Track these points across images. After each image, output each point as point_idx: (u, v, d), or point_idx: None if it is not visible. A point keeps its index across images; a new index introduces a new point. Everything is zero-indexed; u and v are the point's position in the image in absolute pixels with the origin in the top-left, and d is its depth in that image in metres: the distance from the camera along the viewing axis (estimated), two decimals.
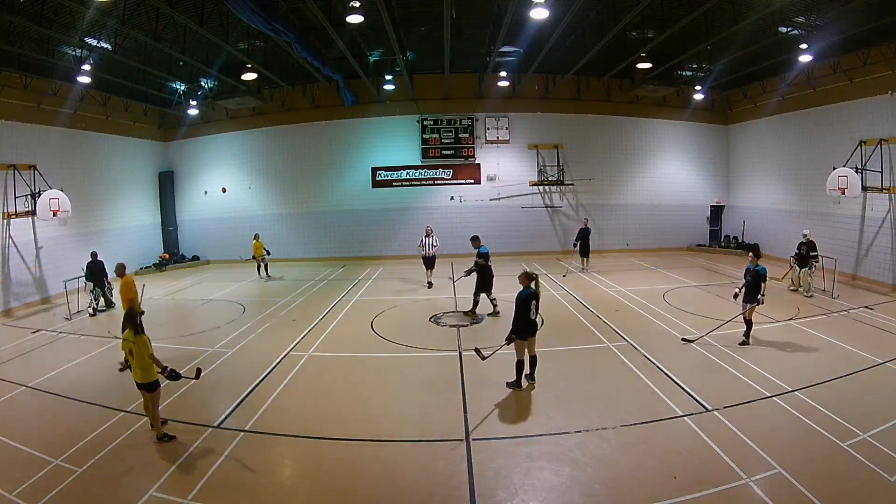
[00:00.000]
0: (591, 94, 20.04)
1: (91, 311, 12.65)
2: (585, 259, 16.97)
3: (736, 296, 9.28)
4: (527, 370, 7.43)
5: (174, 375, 6.14)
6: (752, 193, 19.73)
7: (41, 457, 5.75)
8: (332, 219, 20.51)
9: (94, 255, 13.33)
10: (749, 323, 8.99)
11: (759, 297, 8.73)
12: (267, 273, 17.21)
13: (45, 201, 13.52)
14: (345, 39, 13.23)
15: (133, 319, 6.21)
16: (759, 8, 11.34)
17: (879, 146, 13.37)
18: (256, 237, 17.37)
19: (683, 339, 9.33)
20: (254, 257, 17.21)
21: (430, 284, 14.70)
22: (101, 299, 13.10)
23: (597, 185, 20.44)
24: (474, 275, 11.47)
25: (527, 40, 14.76)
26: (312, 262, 20.00)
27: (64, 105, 15.50)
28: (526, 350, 7.31)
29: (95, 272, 13.02)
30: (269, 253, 17.19)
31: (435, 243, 14.55)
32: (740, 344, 8.91)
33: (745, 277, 9.07)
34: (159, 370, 6.08)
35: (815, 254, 12.59)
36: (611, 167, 20.55)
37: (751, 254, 9.26)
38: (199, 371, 6.59)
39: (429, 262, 14.69)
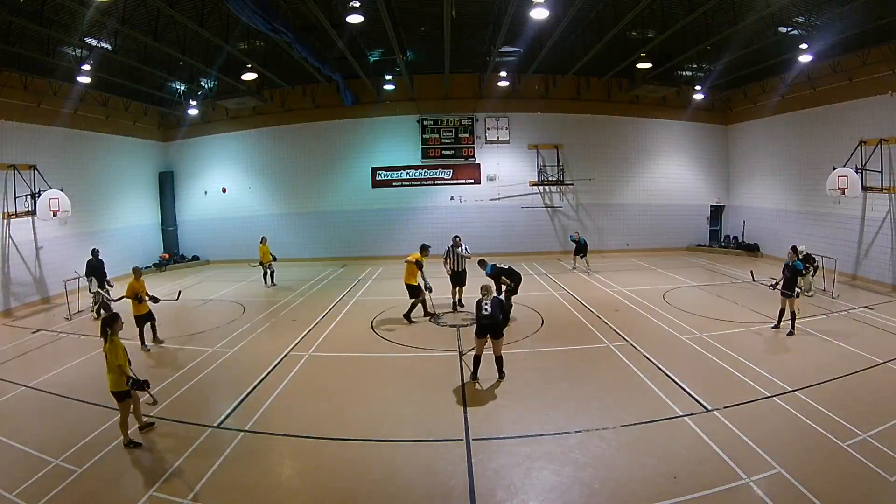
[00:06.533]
0: (591, 94, 20.06)
1: (95, 314, 12.29)
2: (584, 259, 17.03)
3: (773, 287, 9.86)
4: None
5: (138, 385, 6.02)
6: (751, 193, 19.72)
7: (41, 457, 5.75)
8: (332, 219, 20.51)
9: (95, 252, 13.06)
10: (793, 314, 9.56)
11: (797, 288, 9.53)
12: (272, 280, 15.95)
13: (45, 201, 13.52)
14: (345, 39, 13.23)
15: (104, 325, 6.09)
16: (759, 8, 11.35)
17: (879, 146, 13.38)
18: (263, 241, 16.04)
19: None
20: (261, 263, 15.85)
21: (459, 304, 12.18)
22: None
23: (597, 185, 20.43)
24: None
25: (527, 40, 14.78)
26: (312, 262, 20.00)
27: (64, 105, 15.50)
28: (484, 348, 7.68)
29: (96, 269, 12.81)
30: (275, 259, 16.14)
31: (466, 253, 12.10)
32: (787, 334, 9.42)
33: (783, 272, 9.64)
34: (126, 381, 5.94)
35: (815, 263, 12.76)
36: (611, 167, 20.55)
37: (790, 251, 9.91)
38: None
39: (457, 279, 12.11)
